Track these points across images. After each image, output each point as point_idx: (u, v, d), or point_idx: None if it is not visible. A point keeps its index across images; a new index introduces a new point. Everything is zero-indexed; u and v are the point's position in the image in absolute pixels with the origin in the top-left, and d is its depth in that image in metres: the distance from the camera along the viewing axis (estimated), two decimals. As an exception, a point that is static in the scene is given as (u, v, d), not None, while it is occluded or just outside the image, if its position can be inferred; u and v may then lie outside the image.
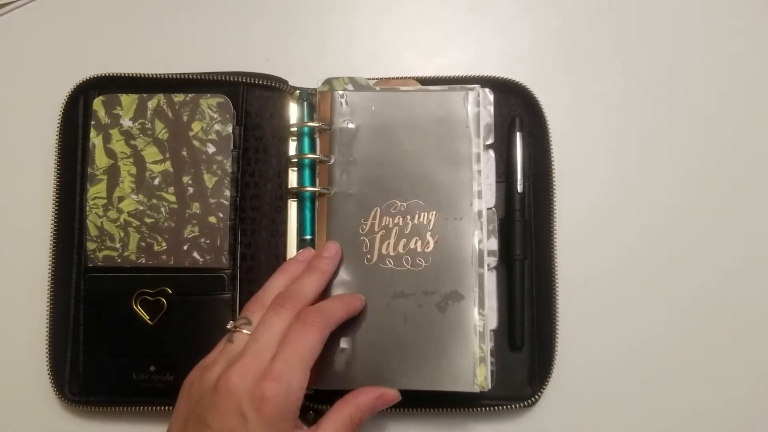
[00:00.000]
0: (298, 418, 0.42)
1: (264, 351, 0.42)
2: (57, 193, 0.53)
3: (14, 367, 0.54)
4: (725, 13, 0.58)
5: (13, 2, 0.59)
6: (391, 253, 0.50)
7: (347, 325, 0.48)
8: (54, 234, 0.53)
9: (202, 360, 0.45)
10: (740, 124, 0.56)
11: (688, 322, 0.54)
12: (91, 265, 0.52)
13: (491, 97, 0.53)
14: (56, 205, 0.53)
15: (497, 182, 0.53)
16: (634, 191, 0.56)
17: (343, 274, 0.50)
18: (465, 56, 0.58)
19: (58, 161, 0.54)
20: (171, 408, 0.50)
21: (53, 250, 0.53)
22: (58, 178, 0.54)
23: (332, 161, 0.51)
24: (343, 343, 0.48)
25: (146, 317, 0.51)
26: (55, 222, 0.53)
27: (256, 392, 0.40)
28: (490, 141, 0.53)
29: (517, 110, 0.55)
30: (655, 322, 0.54)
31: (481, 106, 0.52)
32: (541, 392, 0.51)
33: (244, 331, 0.44)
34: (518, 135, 0.54)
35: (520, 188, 0.53)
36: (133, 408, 0.51)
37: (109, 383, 0.51)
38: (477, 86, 0.52)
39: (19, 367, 0.54)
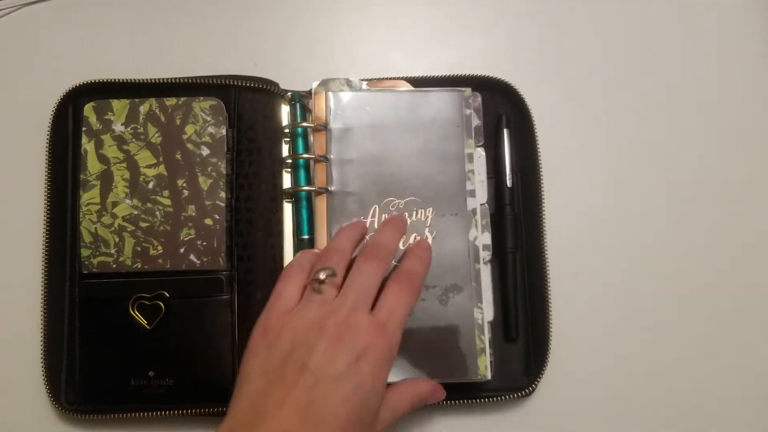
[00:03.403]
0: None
1: (364, 302, 0.42)
2: (48, 201, 0.53)
3: (9, 376, 0.53)
4: (710, 12, 0.61)
5: (-5, 9, 0.58)
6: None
7: None
8: (46, 241, 0.52)
9: (272, 312, 0.43)
10: (725, 121, 0.59)
11: (679, 310, 0.56)
12: (85, 271, 0.51)
13: (480, 100, 0.55)
14: (48, 213, 0.53)
15: (487, 178, 0.55)
16: (620, 182, 0.57)
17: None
18: (451, 56, 0.59)
19: (49, 168, 0.53)
20: (170, 413, 0.50)
21: (46, 258, 0.52)
22: (48, 185, 0.53)
23: (330, 160, 0.52)
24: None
25: (144, 322, 0.50)
26: (47, 229, 0.52)
27: (365, 340, 0.39)
28: (480, 143, 0.54)
29: (503, 108, 0.56)
30: (646, 310, 0.55)
31: (471, 109, 0.53)
32: (538, 382, 0.52)
33: (332, 282, 0.43)
34: (505, 132, 0.55)
35: (509, 183, 0.55)
36: (133, 414, 0.50)
37: (107, 390, 0.51)
38: (468, 89, 0.54)
39: (15, 376, 0.53)
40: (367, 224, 0.51)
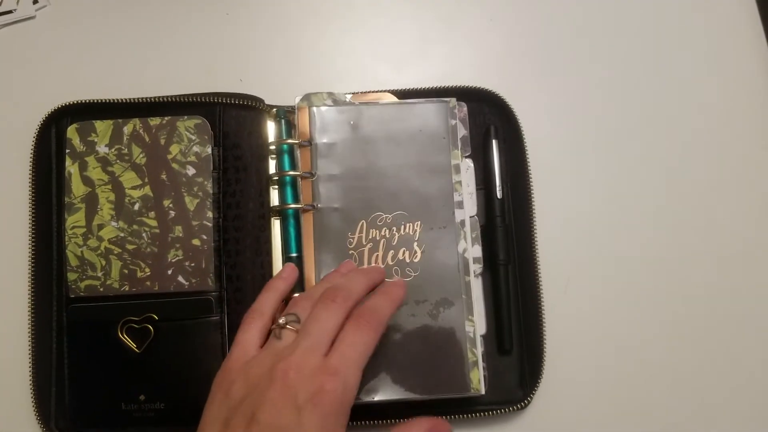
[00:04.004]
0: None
1: (318, 346, 0.41)
2: (33, 225, 0.52)
3: (-3, 406, 0.53)
4: (698, 19, 0.61)
5: (-25, 32, 0.58)
6: (381, 266, 0.50)
7: None
8: (32, 266, 0.52)
9: (230, 360, 0.43)
10: (714, 128, 0.58)
11: (672, 319, 0.55)
12: (73, 296, 0.50)
13: (465, 110, 0.54)
14: (33, 237, 0.52)
15: (477, 189, 0.54)
16: (610, 191, 0.57)
17: (335, 289, 0.50)
18: (437, 68, 0.59)
19: (33, 192, 0.53)
20: (163, 436, 0.49)
21: (32, 283, 0.52)
22: (33, 209, 0.52)
23: (315, 177, 0.51)
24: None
25: (133, 345, 0.50)
26: (32, 254, 0.52)
27: (314, 386, 0.38)
28: (467, 153, 0.54)
29: (491, 118, 0.56)
30: (640, 319, 0.55)
31: (456, 119, 0.53)
32: (533, 395, 0.52)
33: (292, 328, 0.43)
34: (494, 142, 0.55)
35: (499, 194, 0.54)
36: (124, 439, 0.50)
37: (98, 415, 0.50)
38: (453, 99, 0.53)
39: (3, 403, 0.52)
40: (355, 240, 0.50)
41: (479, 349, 0.50)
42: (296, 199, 0.52)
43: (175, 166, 0.52)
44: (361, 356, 0.41)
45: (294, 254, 0.52)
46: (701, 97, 0.59)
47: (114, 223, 0.51)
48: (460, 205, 0.51)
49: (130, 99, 0.53)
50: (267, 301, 0.47)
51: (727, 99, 0.59)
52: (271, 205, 0.53)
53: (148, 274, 0.51)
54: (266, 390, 0.38)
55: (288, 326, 0.43)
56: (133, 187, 0.52)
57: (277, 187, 0.53)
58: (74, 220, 0.51)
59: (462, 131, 0.53)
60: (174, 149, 0.52)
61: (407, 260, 0.50)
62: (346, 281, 0.46)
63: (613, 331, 0.55)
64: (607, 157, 0.58)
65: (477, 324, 0.50)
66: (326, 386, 0.38)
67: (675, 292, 0.56)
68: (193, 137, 0.52)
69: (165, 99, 0.53)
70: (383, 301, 0.45)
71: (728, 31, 0.61)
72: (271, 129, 0.54)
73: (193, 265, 0.51)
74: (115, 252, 0.51)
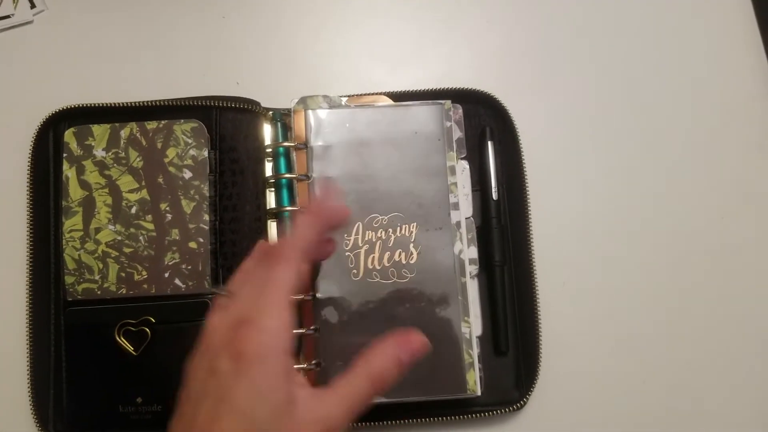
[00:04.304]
0: (292, 366, 0.37)
1: (237, 305, 0.38)
2: (31, 228, 0.53)
3: (-5, 409, 0.53)
4: (696, 23, 0.61)
5: (-27, 37, 0.58)
6: (377, 267, 0.50)
7: (342, 343, 0.49)
8: (30, 270, 0.52)
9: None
10: (713, 127, 0.59)
11: (669, 320, 0.55)
12: (70, 299, 0.51)
13: (461, 112, 0.55)
14: (31, 240, 0.52)
15: (472, 191, 0.54)
16: (606, 192, 0.57)
17: (332, 291, 0.50)
18: (432, 70, 0.59)
19: (30, 196, 0.53)
20: (160, 439, 0.49)
21: (30, 286, 0.52)
22: (30, 212, 0.53)
23: (311, 179, 0.52)
24: (338, 360, 0.49)
25: (130, 348, 0.50)
26: (30, 257, 0.52)
27: (231, 342, 0.36)
28: (463, 155, 0.54)
29: (487, 120, 0.56)
30: (636, 321, 0.55)
31: (452, 121, 0.53)
32: (529, 396, 0.52)
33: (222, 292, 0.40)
34: (489, 144, 0.55)
35: (495, 195, 0.54)
36: (122, 441, 0.50)
37: (96, 418, 0.50)
38: (448, 101, 0.54)
39: (1, 406, 0.52)
40: (351, 242, 0.51)
41: (475, 350, 0.50)
42: (293, 202, 0.53)
43: (171, 169, 0.52)
44: (276, 292, 0.37)
45: (290, 256, 0.52)
46: (698, 98, 0.59)
47: (111, 227, 0.51)
48: (456, 206, 0.52)
49: (127, 103, 0.54)
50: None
51: (725, 100, 0.59)
52: (268, 208, 0.53)
53: (145, 277, 0.51)
54: (193, 360, 0.37)
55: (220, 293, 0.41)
56: (130, 191, 0.52)
57: (273, 189, 0.54)
58: (72, 224, 0.51)
59: (457, 133, 0.54)
60: (171, 153, 0.52)
61: (403, 262, 0.50)
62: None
63: (608, 332, 0.55)
64: (602, 158, 0.58)
65: (473, 325, 0.50)
66: (241, 339, 0.35)
67: (671, 293, 0.56)
68: (190, 141, 0.52)
69: (161, 103, 0.54)
70: (302, 224, 0.40)
71: (725, 33, 0.61)
72: (267, 132, 0.55)
73: (189, 267, 0.51)
74: (113, 255, 0.51)
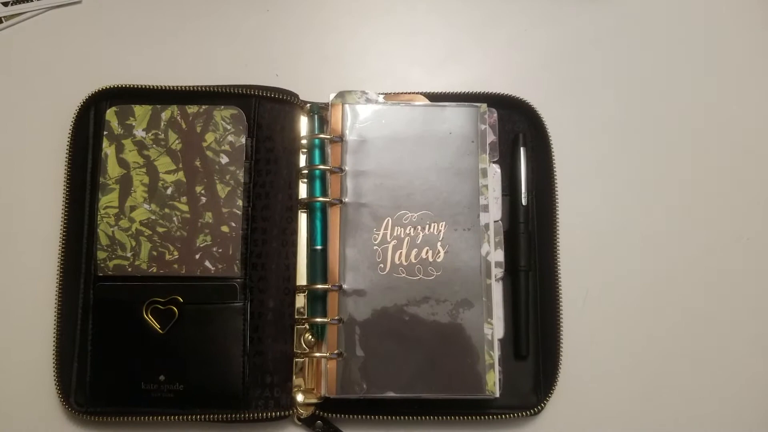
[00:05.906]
0: None
1: None
2: (66, 202, 0.53)
3: (20, 377, 0.53)
4: (725, 39, 0.61)
5: (24, 13, 0.59)
6: (404, 263, 0.51)
7: (364, 334, 0.49)
8: (63, 243, 0.53)
9: None
10: (745, 140, 0.59)
11: (692, 331, 0.55)
12: (101, 274, 0.52)
13: (495, 116, 0.55)
14: (65, 214, 0.53)
15: (502, 195, 0.55)
16: (635, 203, 0.58)
17: (359, 283, 0.50)
18: (469, 73, 0.60)
19: (68, 171, 0.54)
20: (180, 418, 0.50)
21: (62, 259, 0.53)
22: (67, 187, 0.54)
23: (344, 172, 0.52)
24: (359, 351, 0.49)
25: (157, 326, 0.51)
26: (64, 231, 0.53)
27: None
28: (495, 158, 0.54)
29: (521, 126, 0.57)
30: (659, 331, 0.55)
31: (486, 124, 0.54)
32: (547, 401, 0.52)
33: None
34: (522, 150, 0.56)
35: (524, 201, 0.55)
36: (142, 418, 0.50)
37: (118, 393, 0.51)
38: (483, 104, 0.54)
39: (26, 375, 0.53)
40: (380, 236, 0.51)
41: (496, 352, 0.50)
42: (324, 193, 0.53)
43: (209, 153, 0.53)
44: None
45: (319, 247, 0.53)
46: (730, 115, 0.59)
47: (146, 206, 0.52)
48: (486, 208, 0.52)
49: (169, 86, 0.55)
50: None
51: (757, 117, 0.60)
52: (299, 198, 0.54)
53: (177, 257, 0.52)
54: None
55: None
56: (167, 172, 0.53)
57: (306, 180, 0.54)
58: (108, 201, 0.52)
59: (491, 137, 0.54)
60: (209, 137, 0.53)
61: (430, 259, 0.51)
62: None
63: (629, 344, 0.55)
64: (632, 171, 0.58)
65: (495, 327, 0.51)
66: None
67: (695, 305, 0.56)
68: (229, 127, 0.53)
69: (203, 88, 0.55)
70: None
71: (759, 51, 0.61)
72: (303, 124, 0.55)
73: (220, 251, 0.52)
74: (146, 234, 0.52)
